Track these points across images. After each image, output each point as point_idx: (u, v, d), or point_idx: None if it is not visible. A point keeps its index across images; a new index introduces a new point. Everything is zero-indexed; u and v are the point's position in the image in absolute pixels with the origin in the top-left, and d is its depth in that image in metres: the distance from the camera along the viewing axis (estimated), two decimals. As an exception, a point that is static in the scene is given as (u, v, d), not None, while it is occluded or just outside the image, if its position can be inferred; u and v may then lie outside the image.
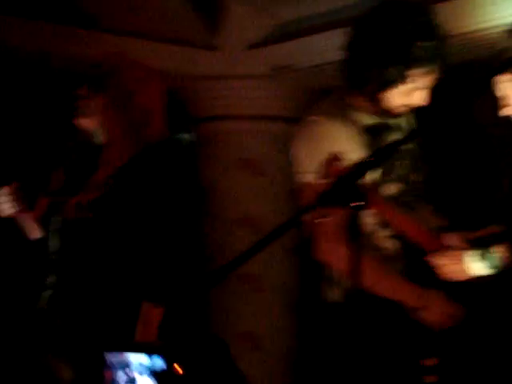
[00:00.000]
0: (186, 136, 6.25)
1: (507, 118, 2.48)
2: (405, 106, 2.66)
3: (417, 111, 2.70)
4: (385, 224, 2.63)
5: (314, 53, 4.64)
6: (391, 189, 2.69)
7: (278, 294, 5.09)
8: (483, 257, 2.44)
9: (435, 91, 2.64)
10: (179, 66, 4.92)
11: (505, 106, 2.45)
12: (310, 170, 2.51)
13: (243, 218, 5.08)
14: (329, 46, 4.33)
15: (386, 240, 2.68)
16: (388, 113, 2.68)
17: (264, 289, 5.04)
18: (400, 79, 2.57)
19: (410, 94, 2.61)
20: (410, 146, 2.77)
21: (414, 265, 2.63)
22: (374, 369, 2.51)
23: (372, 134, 2.66)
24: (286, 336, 5.07)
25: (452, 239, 2.51)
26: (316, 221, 1.88)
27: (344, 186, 1.80)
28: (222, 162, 5.20)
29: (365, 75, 2.60)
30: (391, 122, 2.73)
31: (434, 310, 2.57)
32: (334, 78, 2.78)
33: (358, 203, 1.80)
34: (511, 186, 2.52)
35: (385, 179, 2.66)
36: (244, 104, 5.10)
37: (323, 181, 2.18)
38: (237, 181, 5.13)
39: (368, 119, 2.69)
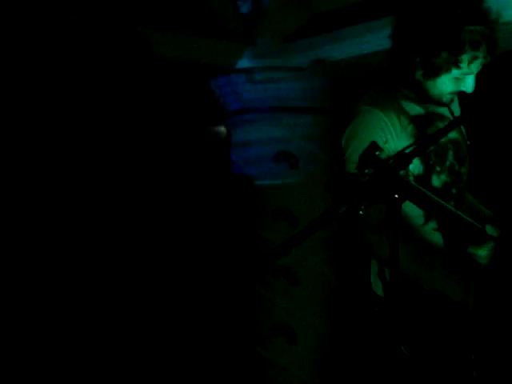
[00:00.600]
0: (221, 128, 6.25)
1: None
2: (453, 93, 2.63)
3: (464, 99, 2.67)
4: (430, 216, 2.61)
5: (353, 44, 4.60)
6: (438, 180, 2.66)
7: (315, 287, 5.06)
8: None
9: (482, 79, 2.62)
10: (215, 58, 4.92)
11: None
12: (353, 159, 2.49)
13: (279, 210, 5.06)
14: (368, 37, 4.30)
15: (431, 233, 2.66)
16: (436, 101, 2.65)
17: (300, 281, 5.02)
18: (449, 65, 2.54)
19: (458, 80, 2.59)
20: (456, 136, 2.75)
21: (459, 259, 2.61)
22: (418, 361, 2.49)
23: (419, 123, 2.63)
24: (322, 329, 5.05)
25: (496, 231, 2.48)
26: (358, 212, 1.86)
27: (386, 176, 1.78)
28: (257, 155, 5.18)
29: (413, 63, 2.58)
30: (439, 110, 2.70)
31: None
32: (375, 69, 2.76)
33: (400, 194, 1.78)
34: None
35: (431, 171, 2.64)
36: (280, 96, 5.07)
37: (365, 170, 2.16)
38: (273, 173, 5.11)
39: (415, 108, 2.67)
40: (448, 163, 2.69)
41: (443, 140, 2.65)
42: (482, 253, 2.47)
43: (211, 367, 5.61)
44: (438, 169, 2.65)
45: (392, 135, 2.49)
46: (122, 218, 5.81)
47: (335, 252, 5.15)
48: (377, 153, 2.09)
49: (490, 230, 2.47)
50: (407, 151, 1.88)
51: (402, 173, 1.85)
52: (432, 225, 2.66)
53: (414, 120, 2.64)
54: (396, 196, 1.79)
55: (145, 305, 5.70)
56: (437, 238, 2.67)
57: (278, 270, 4.96)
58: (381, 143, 2.27)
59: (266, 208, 5.10)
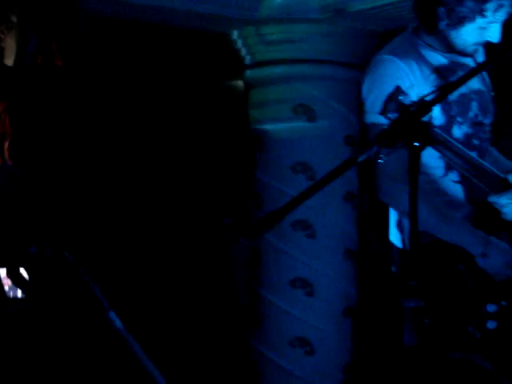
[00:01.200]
0: (238, 82, 6.21)
1: None
2: (478, 43, 2.59)
3: (488, 50, 2.63)
4: (451, 167, 2.58)
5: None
6: (459, 131, 2.63)
7: (332, 240, 5.06)
8: None
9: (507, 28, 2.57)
10: (233, 10, 4.87)
11: None
12: (374, 109, 2.46)
13: (297, 164, 5.04)
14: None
15: (451, 184, 2.64)
16: (460, 52, 2.62)
17: (318, 235, 5.02)
18: (473, 14, 2.50)
19: (483, 30, 2.54)
20: (480, 87, 2.71)
21: (480, 211, 2.58)
22: (435, 315, 2.48)
23: (442, 73, 2.60)
24: (341, 282, 5.06)
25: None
26: (377, 161, 1.84)
27: (407, 123, 1.75)
28: (274, 107, 5.15)
29: (437, 12, 2.54)
30: (463, 61, 2.67)
31: (495, 259, 2.52)
32: (393, 19, 2.72)
33: (420, 142, 1.75)
34: None
35: (453, 122, 2.61)
36: (297, 48, 5.02)
37: (388, 115, 2.13)
38: (290, 127, 5.08)
39: (439, 58, 2.64)
40: (471, 114, 2.66)
41: (466, 91, 2.62)
42: (504, 201, 2.45)
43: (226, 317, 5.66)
44: (459, 119, 2.63)
45: (412, 84, 2.46)
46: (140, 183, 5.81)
47: (354, 205, 5.14)
48: (400, 97, 2.06)
49: None
50: (428, 98, 1.84)
51: (423, 120, 1.82)
52: (452, 176, 2.64)
53: (437, 70, 2.62)
54: (417, 143, 1.76)
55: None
56: (457, 189, 2.65)
57: (296, 224, 4.96)
58: (404, 89, 2.24)
59: (284, 162, 5.08)
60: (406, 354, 1.87)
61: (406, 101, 2.12)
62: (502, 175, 2.47)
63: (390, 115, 2.13)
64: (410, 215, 1.89)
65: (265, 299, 5.07)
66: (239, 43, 5.27)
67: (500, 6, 2.50)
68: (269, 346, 5.02)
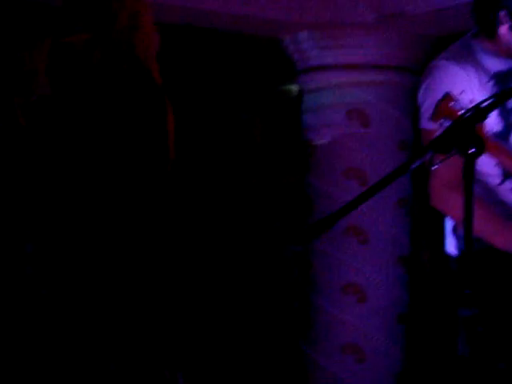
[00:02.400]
0: (292, 87, 6.20)
1: None
2: None
3: None
4: (509, 176, 2.53)
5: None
6: None
7: (385, 246, 5.02)
8: None
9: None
10: (286, 14, 4.86)
11: None
12: (427, 114, 2.43)
13: (350, 169, 5.01)
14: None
15: (508, 193, 2.59)
16: None
17: (370, 241, 4.98)
18: None
19: None
20: None
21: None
22: (489, 324, 2.44)
23: (501, 79, 2.55)
24: (393, 289, 5.01)
25: None
26: (431, 168, 1.81)
27: (461, 130, 1.72)
28: (328, 112, 5.13)
29: (499, 15, 2.49)
30: None
31: None
32: (452, 24, 2.69)
33: (475, 149, 1.72)
34: None
35: (511, 128, 2.56)
36: (352, 53, 4.99)
37: (438, 124, 2.10)
38: (343, 132, 5.05)
39: (498, 64, 2.59)
40: None
41: None
42: None
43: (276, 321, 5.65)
44: None
45: (466, 90, 2.42)
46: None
47: (407, 211, 5.09)
48: (451, 104, 2.03)
49: None
50: (484, 105, 1.81)
51: (479, 126, 1.79)
52: (509, 184, 2.58)
53: (496, 76, 2.56)
54: (472, 150, 1.73)
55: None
56: None
57: (348, 229, 4.93)
58: (456, 95, 2.20)
59: (336, 167, 5.06)
60: (460, 364, 1.84)
61: (457, 107, 2.08)
62: None
63: (441, 121, 2.10)
64: (465, 223, 1.86)
65: (316, 305, 5.04)
66: (292, 48, 5.26)
67: None
68: (320, 351, 4.99)
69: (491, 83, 2.54)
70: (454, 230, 2.63)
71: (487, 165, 2.44)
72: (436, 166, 1.87)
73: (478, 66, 2.56)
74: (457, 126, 1.78)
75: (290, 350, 5.31)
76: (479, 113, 1.79)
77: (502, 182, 2.58)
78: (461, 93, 2.22)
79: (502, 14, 2.49)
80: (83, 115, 2.32)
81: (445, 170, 2.21)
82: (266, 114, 6.55)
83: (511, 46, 2.54)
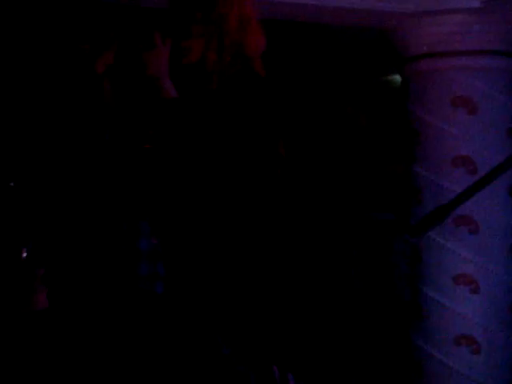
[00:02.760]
0: (396, 76, 6.15)
1: None
2: None
3: None
4: None
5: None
6: None
7: (497, 236, 4.92)
8: None
9: None
10: (388, 4, 4.83)
11: None
12: None
13: (458, 158, 4.94)
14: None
15: None
16: None
17: (481, 230, 4.90)
18: None
19: None
20: None
21: None
22: None
23: None
24: (507, 279, 4.92)
25: None
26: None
27: None
28: (435, 101, 5.06)
29: None
30: None
31: None
32: None
33: None
34: None
35: None
36: (457, 40, 4.91)
37: None
38: (451, 120, 4.98)
39: None
40: None
41: None
42: None
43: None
44: None
45: None
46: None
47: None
48: None
49: None
50: None
51: None
52: None
53: None
54: None
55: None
56: None
57: (458, 219, 4.86)
58: None
59: (444, 156, 4.99)
60: None
61: None
62: None
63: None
64: None
65: (427, 296, 4.99)
66: (395, 38, 5.22)
67: None
68: (433, 343, 4.94)
69: None
70: None
71: None
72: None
73: None
74: None
75: (402, 343, 5.27)
76: None
77: None
78: None
79: None
80: (204, 116, 2.34)
81: None
82: (370, 104, 6.52)
83: None
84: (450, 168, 4.95)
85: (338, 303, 5.82)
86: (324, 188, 6.04)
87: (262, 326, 2.41)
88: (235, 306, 2.38)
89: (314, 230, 5.87)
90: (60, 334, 2.95)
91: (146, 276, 3.06)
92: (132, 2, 4.42)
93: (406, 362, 5.14)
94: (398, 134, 5.63)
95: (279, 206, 2.42)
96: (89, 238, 2.94)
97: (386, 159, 6.28)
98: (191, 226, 2.33)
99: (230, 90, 2.34)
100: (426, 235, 4.92)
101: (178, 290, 2.42)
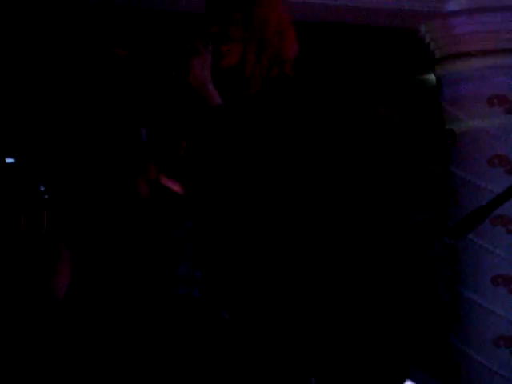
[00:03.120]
0: (430, 77, 6.11)
1: None
2: None
3: None
4: None
5: None
6: None
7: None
8: None
9: None
10: (423, 4, 4.81)
11: None
12: None
13: (495, 157, 4.90)
14: None
15: None
16: None
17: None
18: None
19: None
20: None
21: None
22: None
23: None
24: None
25: None
26: None
27: None
28: (470, 100, 5.02)
29: None
30: None
31: None
32: None
33: None
34: None
35: None
36: (492, 38, 4.87)
37: None
38: (488, 119, 4.94)
39: None
40: None
41: None
42: None
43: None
44: None
45: None
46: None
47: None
48: None
49: None
50: None
51: None
52: None
53: None
54: None
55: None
56: None
57: (495, 219, 4.82)
58: None
59: (480, 156, 4.96)
60: None
61: None
62: None
63: None
64: None
65: (466, 298, 4.95)
66: (428, 37, 5.20)
67: None
68: (471, 345, 4.90)
69: None
70: None
71: None
72: None
73: None
74: None
75: (441, 345, 5.24)
76: None
77: None
78: None
79: None
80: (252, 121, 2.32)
81: None
82: (404, 104, 6.49)
83: None
84: (487, 168, 4.91)
85: (375, 305, 5.80)
86: (359, 191, 6.02)
87: (301, 332, 2.41)
88: (276, 311, 2.37)
89: (352, 233, 5.85)
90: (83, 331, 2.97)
91: (184, 277, 3.07)
92: (171, 7, 4.44)
93: (445, 363, 5.11)
94: (433, 135, 5.60)
95: (318, 210, 2.41)
96: (138, 241, 2.96)
97: (422, 160, 6.25)
98: (232, 231, 2.33)
99: (267, 95, 2.34)
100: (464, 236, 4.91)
101: (214, 295, 2.43)
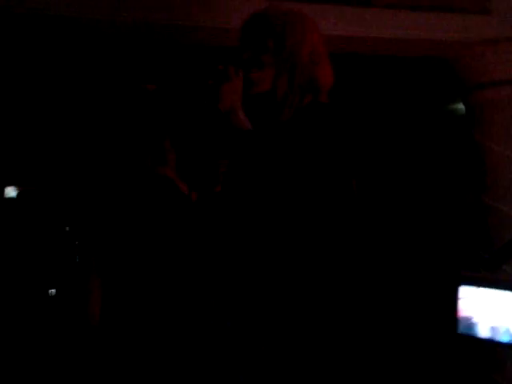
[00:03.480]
0: (459, 105, 6.10)
1: None
2: None
3: None
4: None
5: None
6: None
7: None
8: None
9: None
10: (452, 33, 4.82)
11: None
12: None
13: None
14: None
15: None
16: None
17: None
18: None
19: None
20: None
21: None
22: None
23: None
24: None
25: None
26: None
27: None
28: (500, 129, 5.01)
29: None
30: None
31: None
32: None
33: None
34: None
35: None
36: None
37: None
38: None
39: None
40: None
41: None
42: None
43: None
44: None
45: None
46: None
47: None
48: None
49: None
50: None
51: None
52: None
53: None
54: None
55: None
56: None
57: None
58: None
59: (510, 184, 4.93)
60: None
61: None
62: None
63: None
64: None
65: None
66: (459, 66, 5.20)
67: None
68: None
69: None
70: None
71: None
72: None
73: None
74: None
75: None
76: None
77: None
78: None
79: None
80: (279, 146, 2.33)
81: None
82: (435, 133, 6.47)
83: None
84: (507, 191, 4.89)
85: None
86: (391, 221, 6.00)
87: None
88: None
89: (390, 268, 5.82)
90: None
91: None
92: (201, 42, 4.47)
93: (489, 363, 5.02)
94: (463, 164, 5.57)
95: (356, 243, 2.40)
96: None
97: (453, 189, 6.21)
98: (265, 255, 2.33)
99: (300, 122, 2.34)
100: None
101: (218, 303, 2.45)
